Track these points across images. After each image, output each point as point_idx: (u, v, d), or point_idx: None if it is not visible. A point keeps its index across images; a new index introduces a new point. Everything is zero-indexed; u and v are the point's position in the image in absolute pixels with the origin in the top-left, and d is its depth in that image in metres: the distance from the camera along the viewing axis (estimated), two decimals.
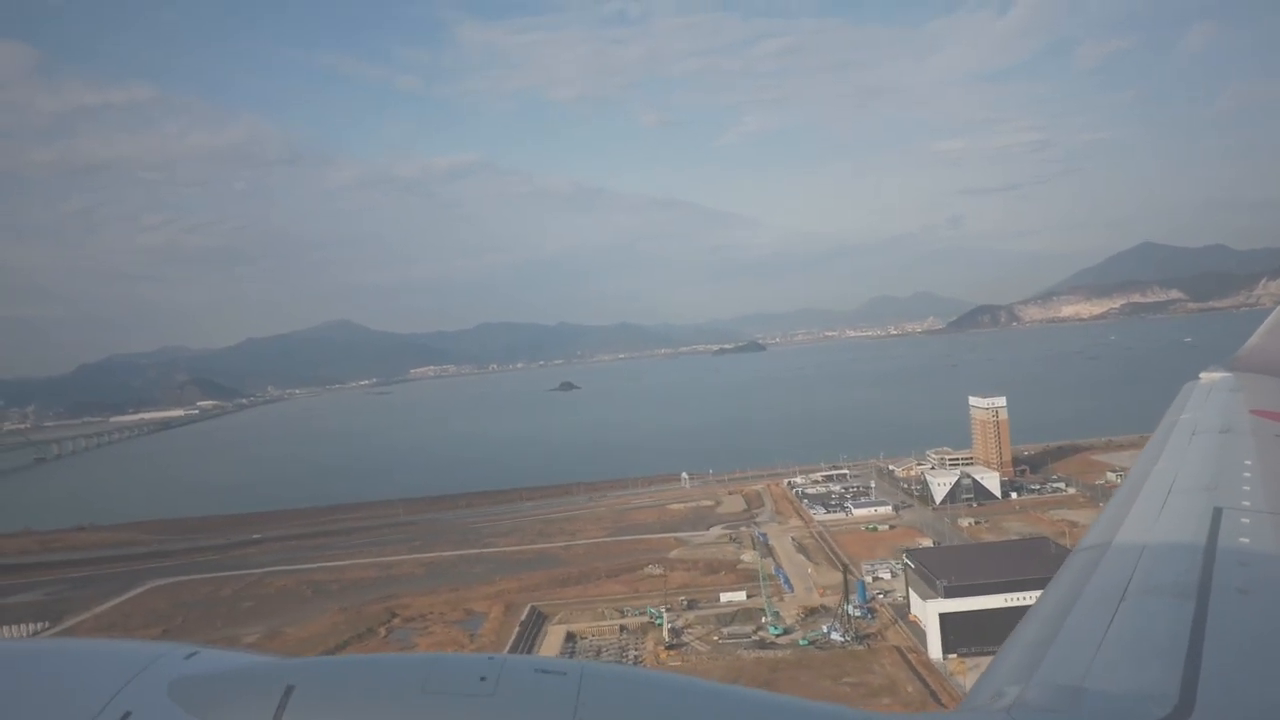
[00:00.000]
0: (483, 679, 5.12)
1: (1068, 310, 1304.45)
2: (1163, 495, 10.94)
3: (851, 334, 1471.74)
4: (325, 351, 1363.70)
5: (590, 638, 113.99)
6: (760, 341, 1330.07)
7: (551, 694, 5.12)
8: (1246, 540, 9.20)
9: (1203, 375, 18.12)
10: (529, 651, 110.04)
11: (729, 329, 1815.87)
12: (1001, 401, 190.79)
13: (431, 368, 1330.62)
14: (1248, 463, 11.98)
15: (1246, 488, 10.91)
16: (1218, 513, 9.93)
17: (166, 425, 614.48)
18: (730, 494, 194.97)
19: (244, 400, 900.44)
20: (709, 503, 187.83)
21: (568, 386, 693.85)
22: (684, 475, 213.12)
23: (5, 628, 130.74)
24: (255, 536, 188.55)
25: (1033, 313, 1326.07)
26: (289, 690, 5.04)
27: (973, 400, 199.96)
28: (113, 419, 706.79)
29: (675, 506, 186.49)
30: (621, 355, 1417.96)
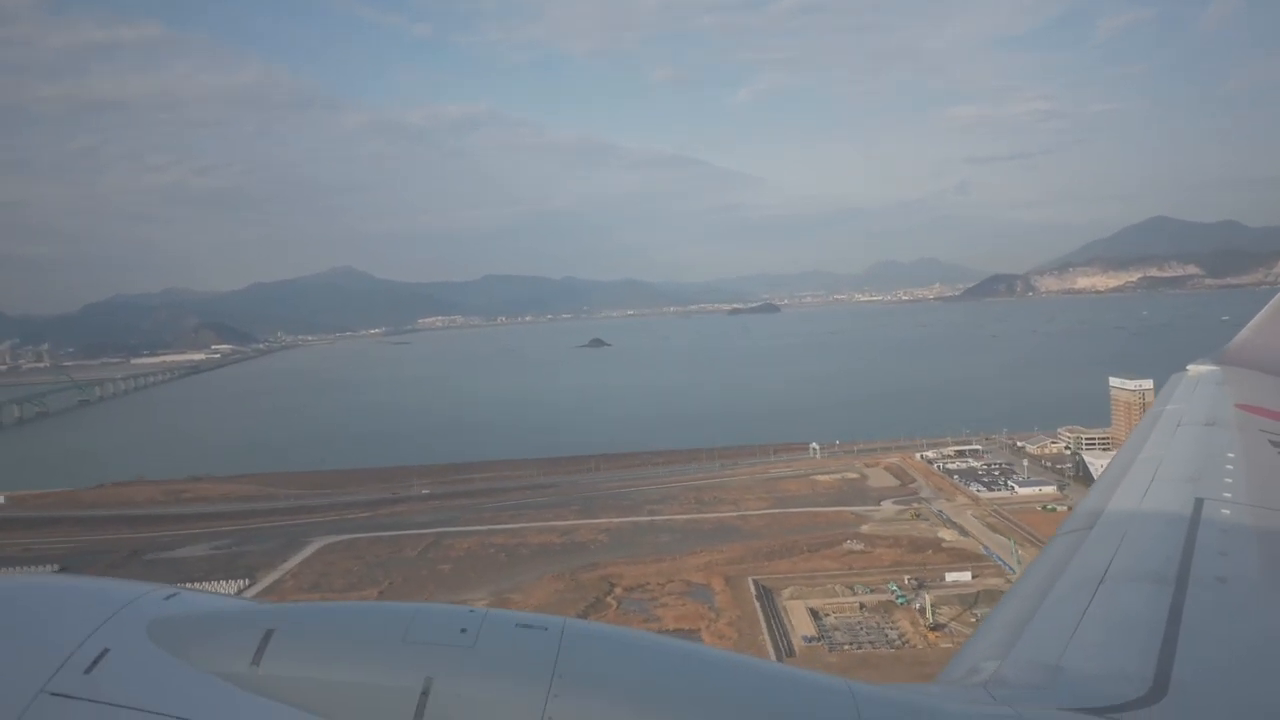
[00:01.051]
0: (464, 630, 5.19)
1: (1083, 282, 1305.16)
2: (1145, 484, 11.29)
3: (861, 299, 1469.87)
4: (331, 298, 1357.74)
5: (832, 615, 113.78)
6: (775, 303, 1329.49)
7: (532, 648, 5.18)
8: (1226, 531, 9.50)
9: (1190, 368, 18.69)
10: (780, 628, 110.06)
11: (734, 288, 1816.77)
12: (1148, 384, 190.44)
13: (439, 318, 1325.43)
14: (1231, 455, 12.32)
15: (1229, 480, 11.22)
16: (1199, 503, 10.23)
17: (196, 369, 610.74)
18: (868, 466, 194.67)
19: (260, 345, 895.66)
20: (854, 475, 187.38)
21: (598, 343, 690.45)
22: (813, 446, 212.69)
23: (201, 584, 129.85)
24: (424, 492, 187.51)
25: (1049, 283, 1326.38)
26: (269, 634, 5.08)
27: (1114, 380, 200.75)
28: (133, 360, 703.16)
29: (822, 478, 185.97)
30: (630, 312, 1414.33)
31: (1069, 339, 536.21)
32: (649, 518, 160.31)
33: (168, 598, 5.53)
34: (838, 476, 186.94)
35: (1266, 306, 20.68)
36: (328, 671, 5.02)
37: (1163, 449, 12.97)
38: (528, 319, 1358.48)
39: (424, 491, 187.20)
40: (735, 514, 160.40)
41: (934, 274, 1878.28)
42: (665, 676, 5.47)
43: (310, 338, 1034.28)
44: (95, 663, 4.78)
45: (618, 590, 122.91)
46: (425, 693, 4.89)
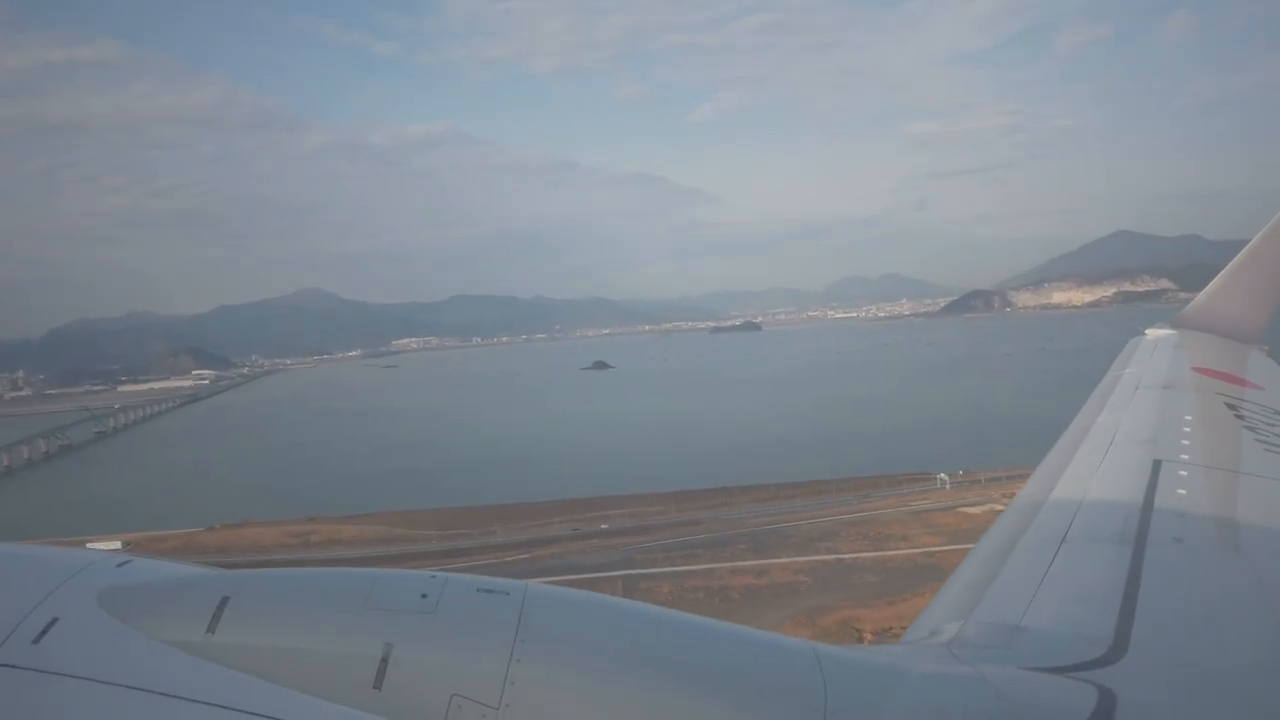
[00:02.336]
0: (424, 596, 5.15)
1: (1059, 297, 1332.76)
2: (1104, 447, 11.80)
3: (837, 316, 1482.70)
4: (301, 321, 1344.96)
5: None
6: (755, 321, 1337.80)
7: (494, 613, 5.16)
8: (1184, 492, 9.95)
9: (1148, 332, 19.87)
10: None
11: (700, 305, 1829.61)
12: None
13: (413, 340, 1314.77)
14: (1188, 418, 12.96)
15: (1186, 442, 11.78)
16: (1157, 465, 10.70)
17: (195, 397, 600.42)
18: (1006, 497, 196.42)
19: (244, 369, 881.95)
20: (1000, 507, 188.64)
21: (601, 365, 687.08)
22: (941, 476, 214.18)
23: None
24: (603, 526, 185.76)
25: (1025, 298, 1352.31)
26: (224, 600, 5.03)
27: None
28: (119, 389, 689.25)
29: (970, 510, 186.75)
30: (605, 331, 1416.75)
31: (1084, 356, 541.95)
32: (833, 556, 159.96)
33: (120, 565, 5.46)
34: (984, 508, 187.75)
35: (1222, 272, 21.47)
36: (285, 639, 4.95)
37: (1121, 412, 13.48)
38: (503, 339, 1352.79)
39: (603, 526, 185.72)
40: (919, 551, 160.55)
41: (899, 290, 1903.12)
42: (629, 639, 5.46)
43: (288, 361, 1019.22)
44: (44, 632, 4.69)
45: (868, 636, 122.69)
46: (385, 659, 4.85)
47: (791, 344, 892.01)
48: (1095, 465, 10.86)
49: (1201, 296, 21.40)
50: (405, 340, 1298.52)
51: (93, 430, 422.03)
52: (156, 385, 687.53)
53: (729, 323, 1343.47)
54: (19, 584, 5.08)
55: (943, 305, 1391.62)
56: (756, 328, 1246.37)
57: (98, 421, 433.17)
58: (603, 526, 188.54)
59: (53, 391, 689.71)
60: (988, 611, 7.38)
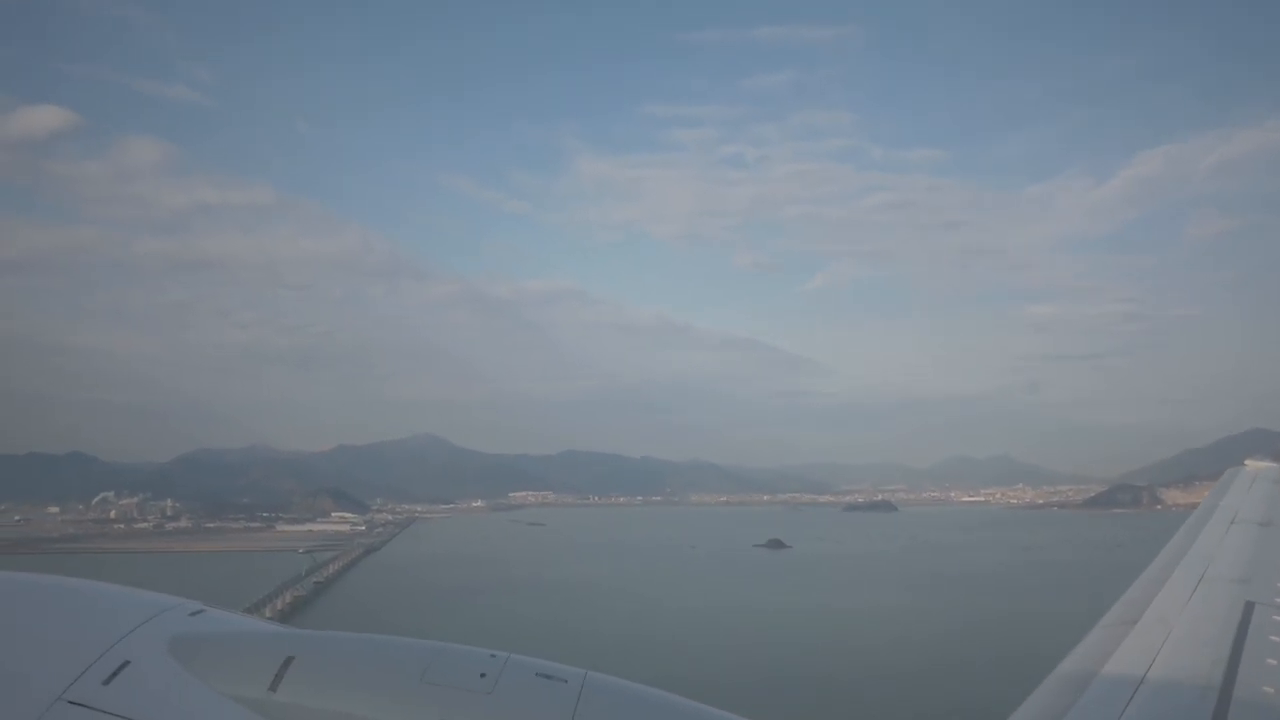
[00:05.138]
0: (483, 675, 5.21)
1: None
2: (1193, 582, 10.93)
3: (963, 499, 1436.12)
4: (419, 466, 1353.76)
5: None
6: (890, 500, 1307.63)
7: (550, 699, 5.16)
8: (1278, 639, 9.12)
9: (1248, 463, 18.00)
10: None
11: (805, 476, 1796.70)
12: None
13: (529, 493, 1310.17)
14: None
15: None
16: (1249, 607, 9.92)
17: (371, 548, 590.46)
18: None
19: (386, 515, 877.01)
20: None
21: (778, 545, 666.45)
22: None
23: None
24: None
25: (1174, 495, 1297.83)
26: (289, 660, 5.17)
27: None
28: (278, 528, 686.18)
29: None
30: (721, 498, 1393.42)
31: None
32: None
33: (193, 614, 5.62)
34: None
35: None
36: (343, 704, 5.05)
37: (1214, 547, 12.47)
38: (620, 500, 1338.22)
39: None
40: None
41: (1010, 473, 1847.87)
42: None
43: (417, 508, 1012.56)
44: (115, 674, 4.83)
45: None
46: None
47: (948, 531, 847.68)
48: (1182, 603, 10.23)
49: None
50: (522, 494, 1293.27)
51: (311, 581, 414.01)
52: (314, 528, 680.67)
53: (850, 498, 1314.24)
54: (97, 623, 5.25)
55: (1085, 497, 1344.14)
56: (892, 508, 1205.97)
57: (315, 572, 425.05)
58: None
59: (211, 525, 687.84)
60: None
